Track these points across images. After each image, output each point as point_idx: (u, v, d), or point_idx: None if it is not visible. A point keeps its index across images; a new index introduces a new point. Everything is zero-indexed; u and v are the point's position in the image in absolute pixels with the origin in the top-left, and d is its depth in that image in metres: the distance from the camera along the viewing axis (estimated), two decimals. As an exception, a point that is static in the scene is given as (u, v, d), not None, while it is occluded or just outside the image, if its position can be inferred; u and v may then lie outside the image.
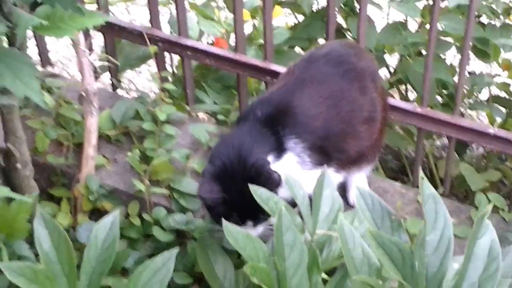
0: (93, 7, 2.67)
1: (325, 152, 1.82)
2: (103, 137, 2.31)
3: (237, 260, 1.79)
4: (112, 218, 1.36)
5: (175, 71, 2.77)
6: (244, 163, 1.72)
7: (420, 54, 2.64)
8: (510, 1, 2.59)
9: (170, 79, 2.58)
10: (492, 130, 2.14)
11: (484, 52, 2.64)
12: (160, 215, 2.08)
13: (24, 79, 1.43)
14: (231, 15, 2.61)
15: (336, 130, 1.86)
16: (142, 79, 3.51)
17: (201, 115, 2.71)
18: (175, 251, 1.38)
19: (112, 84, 2.70)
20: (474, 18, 2.09)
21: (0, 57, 1.42)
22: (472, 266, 1.19)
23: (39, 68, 2.79)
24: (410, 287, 1.09)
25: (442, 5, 2.47)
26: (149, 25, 2.50)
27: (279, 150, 1.77)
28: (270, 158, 1.75)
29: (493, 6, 2.53)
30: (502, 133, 2.14)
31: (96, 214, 2.17)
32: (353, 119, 1.88)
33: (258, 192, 1.48)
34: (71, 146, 2.30)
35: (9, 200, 1.65)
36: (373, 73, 2.00)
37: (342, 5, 2.64)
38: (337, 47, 2.01)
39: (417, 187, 2.26)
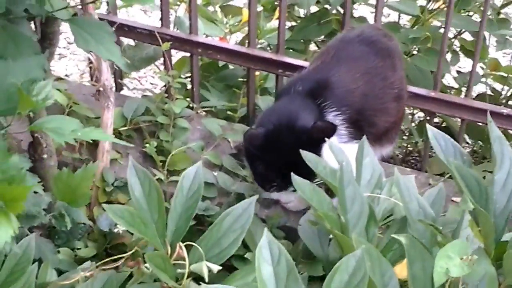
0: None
1: (359, 126, 1.89)
2: (114, 134, 2.33)
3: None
4: (196, 168, 1.41)
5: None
6: (294, 128, 1.79)
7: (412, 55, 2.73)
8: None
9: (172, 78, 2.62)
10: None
11: (472, 52, 2.74)
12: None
13: (106, 45, 1.52)
14: (230, 21, 2.70)
15: (370, 105, 1.95)
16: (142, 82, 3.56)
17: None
18: (254, 197, 1.42)
19: (116, 86, 2.73)
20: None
21: (84, 26, 1.52)
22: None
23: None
24: (485, 213, 1.15)
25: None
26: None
27: None
28: None
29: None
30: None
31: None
32: (385, 95, 1.97)
33: (308, 156, 1.52)
34: (84, 142, 2.31)
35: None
36: (400, 53, 2.12)
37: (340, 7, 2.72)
38: (368, 29, 2.12)
39: (426, 171, 2.35)
